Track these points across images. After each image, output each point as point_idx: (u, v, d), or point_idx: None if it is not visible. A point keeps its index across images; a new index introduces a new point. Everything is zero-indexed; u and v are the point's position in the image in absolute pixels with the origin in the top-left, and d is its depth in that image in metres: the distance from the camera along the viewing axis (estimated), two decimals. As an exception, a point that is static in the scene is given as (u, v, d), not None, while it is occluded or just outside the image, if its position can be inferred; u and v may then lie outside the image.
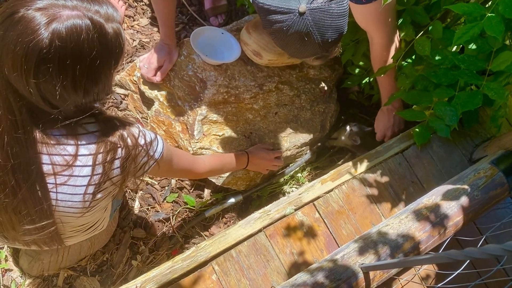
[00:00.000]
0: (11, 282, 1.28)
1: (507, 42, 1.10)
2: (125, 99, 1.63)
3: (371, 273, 1.02)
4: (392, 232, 1.07)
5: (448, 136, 1.26)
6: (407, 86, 1.30)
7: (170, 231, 1.46)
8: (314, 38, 1.04)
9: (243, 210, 1.57)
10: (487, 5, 1.03)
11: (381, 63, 1.28)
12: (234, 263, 1.13)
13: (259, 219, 1.19)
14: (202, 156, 1.36)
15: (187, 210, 1.51)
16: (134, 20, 1.84)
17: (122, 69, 1.61)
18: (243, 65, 1.45)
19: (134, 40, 1.78)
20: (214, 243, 1.14)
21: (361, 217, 1.23)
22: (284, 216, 1.20)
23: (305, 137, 1.57)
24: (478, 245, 1.07)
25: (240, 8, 1.96)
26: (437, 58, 1.19)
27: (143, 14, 1.88)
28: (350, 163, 1.31)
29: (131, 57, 1.73)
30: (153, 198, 1.51)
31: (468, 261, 0.93)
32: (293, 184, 1.61)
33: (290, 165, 1.60)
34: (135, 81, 1.56)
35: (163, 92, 1.50)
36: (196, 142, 1.40)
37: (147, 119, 1.55)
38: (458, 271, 0.97)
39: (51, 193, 0.77)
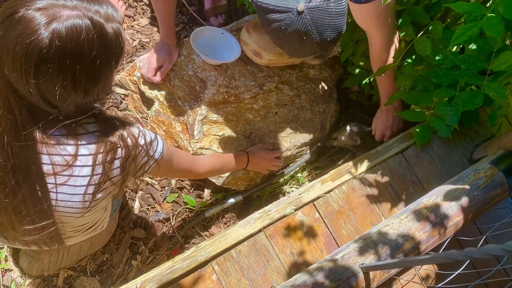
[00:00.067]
0: (11, 282, 1.28)
1: (507, 42, 1.10)
2: (125, 99, 1.63)
3: (371, 273, 1.02)
4: (392, 232, 1.07)
5: (449, 136, 1.26)
6: (407, 86, 1.30)
7: (170, 231, 1.46)
8: (312, 37, 1.04)
9: (243, 210, 1.57)
10: (487, 5, 1.03)
11: (380, 63, 1.28)
12: (234, 263, 1.13)
13: (259, 219, 1.19)
14: (202, 156, 1.36)
15: (187, 210, 1.51)
16: (134, 20, 1.84)
17: (122, 69, 1.61)
18: (243, 65, 1.45)
19: (134, 40, 1.78)
20: (214, 243, 1.14)
21: (361, 217, 1.23)
22: (284, 216, 1.20)
23: (305, 137, 1.57)
24: (478, 245, 1.07)
25: (240, 8, 1.96)
26: (437, 58, 1.19)
27: (143, 14, 1.88)
28: (350, 163, 1.31)
29: (131, 57, 1.73)
30: (153, 198, 1.51)
31: (468, 261, 0.92)
32: (293, 184, 1.61)
33: (290, 165, 1.60)
34: (135, 81, 1.56)
35: (163, 92, 1.50)
36: (196, 142, 1.40)
37: (147, 119, 1.55)
38: (458, 271, 0.97)
39: (51, 193, 0.77)
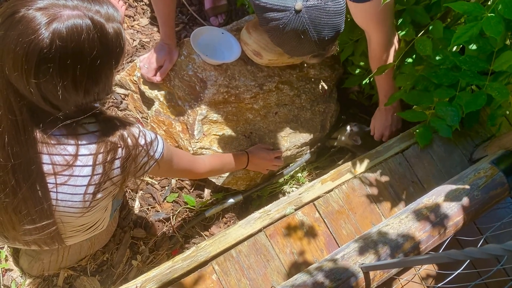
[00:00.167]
0: (11, 282, 1.28)
1: (507, 42, 1.10)
2: (125, 99, 1.63)
3: (371, 273, 1.02)
4: (392, 232, 1.07)
5: (450, 136, 1.26)
6: (408, 86, 1.30)
7: (170, 231, 1.46)
8: (310, 36, 1.03)
9: (243, 210, 1.57)
10: (489, 3, 1.03)
11: (379, 63, 1.28)
12: (234, 263, 1.13)
13: (259, 219, 1.19)
14: (202, 156, 1.36)
15: (187, 210, 1.51)
16: (134, 20, 1.84)
17: (122, 69, 1.61)
18: (243, 65, 1.45)
19: (134, 40, 1.78)
20: (214, 243, 1.14)
21: (361, 217, 1.23)
22: (284, 216, 1.20)
23: (305, 137, 1.57)
24: (478, 245, 1.07)
25: (240, 8, 1.96)
26: (437, 58, 1.19)
27: (143, 14, 1.88)
28: (350, 163, 1.31)
29: (131, 57, 1.74)
30: (153, 198, 1.51)
31: (468, 261, 0.93)
32: (293, 184, 1.61)
33: (290, 165, 1.60)
34: (135, 81, 1.56)
35: (163, 92, 1.50)
36: (196, 142, 1.40)
37: (147, 119, 1.55)
38: (458, 271, 0.97)
39: (51, 193, 0.77)
